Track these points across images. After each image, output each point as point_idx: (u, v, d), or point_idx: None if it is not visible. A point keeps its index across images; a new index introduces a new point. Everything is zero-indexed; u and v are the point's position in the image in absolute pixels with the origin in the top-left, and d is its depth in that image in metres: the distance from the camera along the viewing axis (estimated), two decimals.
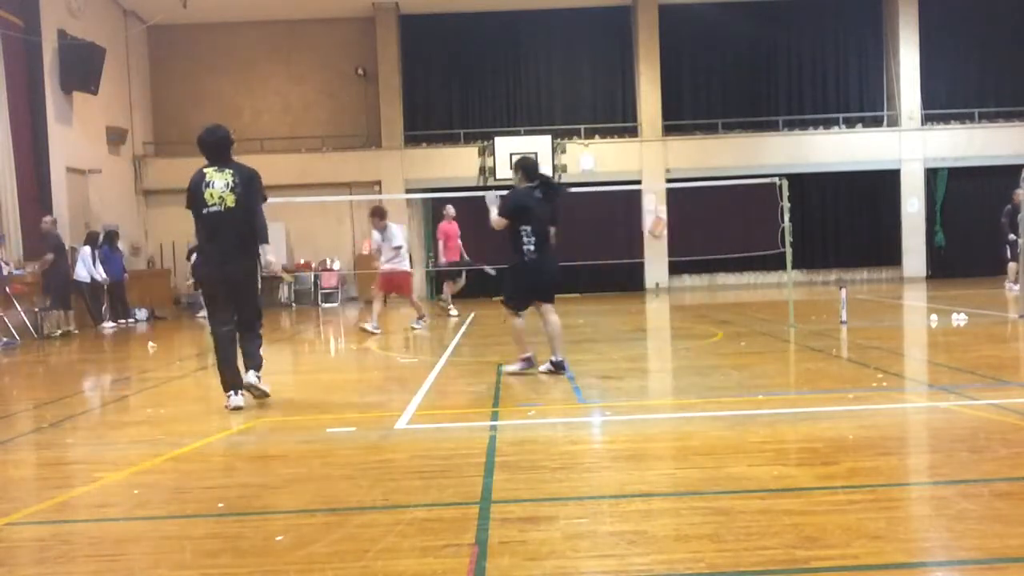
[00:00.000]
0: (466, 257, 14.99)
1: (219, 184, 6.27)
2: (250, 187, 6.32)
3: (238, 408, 6.28)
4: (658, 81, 21.27)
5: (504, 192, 7.82)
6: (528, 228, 7.35)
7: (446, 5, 21.06)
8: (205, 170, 6.36)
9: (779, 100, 21.96)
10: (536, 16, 21.49)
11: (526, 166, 7.64)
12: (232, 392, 6.36)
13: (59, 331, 13.86)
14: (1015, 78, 21.52)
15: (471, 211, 19.98)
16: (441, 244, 14.77)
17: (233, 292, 6.38)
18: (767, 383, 6.86)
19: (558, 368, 7.47)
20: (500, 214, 7.49)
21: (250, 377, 6.49)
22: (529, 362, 7.59)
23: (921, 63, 21.34)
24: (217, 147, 6.43)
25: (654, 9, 21.19)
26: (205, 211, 6.24)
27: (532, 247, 7.37)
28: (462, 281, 15.24)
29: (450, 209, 14.81)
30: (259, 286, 6.70)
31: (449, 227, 14.76)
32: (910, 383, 6.74)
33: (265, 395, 6.61)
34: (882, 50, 21.92)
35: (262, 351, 6.64)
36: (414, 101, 21.67)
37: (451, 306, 14.99)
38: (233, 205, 6.24)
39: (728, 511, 3.56)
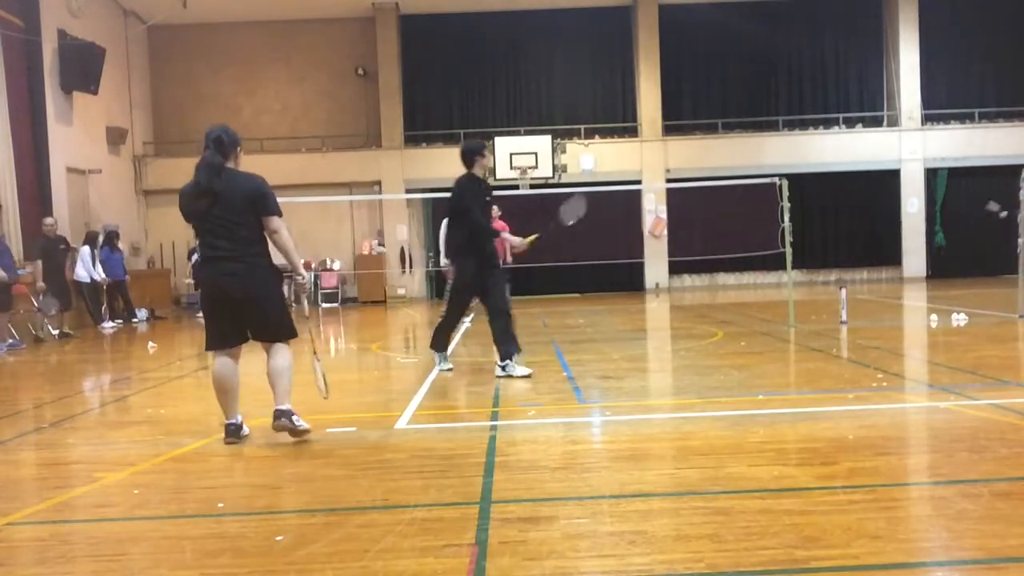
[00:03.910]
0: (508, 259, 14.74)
1: None
2: None
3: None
4: (658, 81, 21.26)
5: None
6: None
7: (446, 5, 21.05)
8: None
9: (779, 100, 21.93)
10: (536, 16, 21.47)
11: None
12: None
13: (56, 331, 13.74)
14: (1015, 78, 21.50)
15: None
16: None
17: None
18: (767, 383, 6.86)
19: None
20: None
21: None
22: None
23: (921, 63, 21.32)
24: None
25: (654, 9, 21.18)
26: None
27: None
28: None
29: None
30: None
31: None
32: (910, 383, 6.74)
33: None
34: (882, 50, 21.90)
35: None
36: (414, 101, 21.65)
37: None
38: None
39: (728, 511, 3.56)
